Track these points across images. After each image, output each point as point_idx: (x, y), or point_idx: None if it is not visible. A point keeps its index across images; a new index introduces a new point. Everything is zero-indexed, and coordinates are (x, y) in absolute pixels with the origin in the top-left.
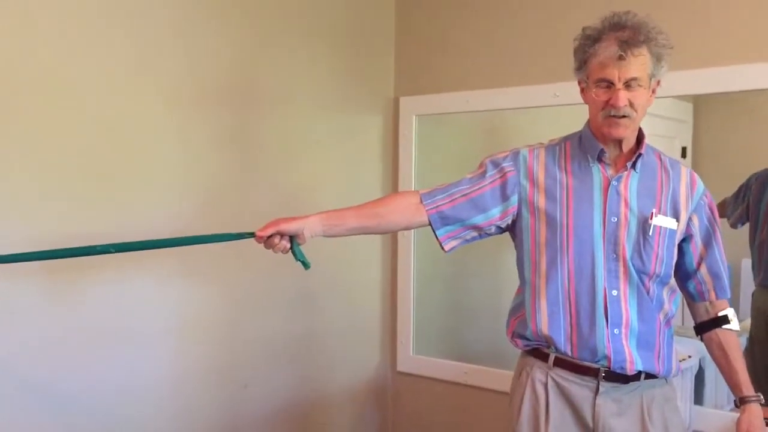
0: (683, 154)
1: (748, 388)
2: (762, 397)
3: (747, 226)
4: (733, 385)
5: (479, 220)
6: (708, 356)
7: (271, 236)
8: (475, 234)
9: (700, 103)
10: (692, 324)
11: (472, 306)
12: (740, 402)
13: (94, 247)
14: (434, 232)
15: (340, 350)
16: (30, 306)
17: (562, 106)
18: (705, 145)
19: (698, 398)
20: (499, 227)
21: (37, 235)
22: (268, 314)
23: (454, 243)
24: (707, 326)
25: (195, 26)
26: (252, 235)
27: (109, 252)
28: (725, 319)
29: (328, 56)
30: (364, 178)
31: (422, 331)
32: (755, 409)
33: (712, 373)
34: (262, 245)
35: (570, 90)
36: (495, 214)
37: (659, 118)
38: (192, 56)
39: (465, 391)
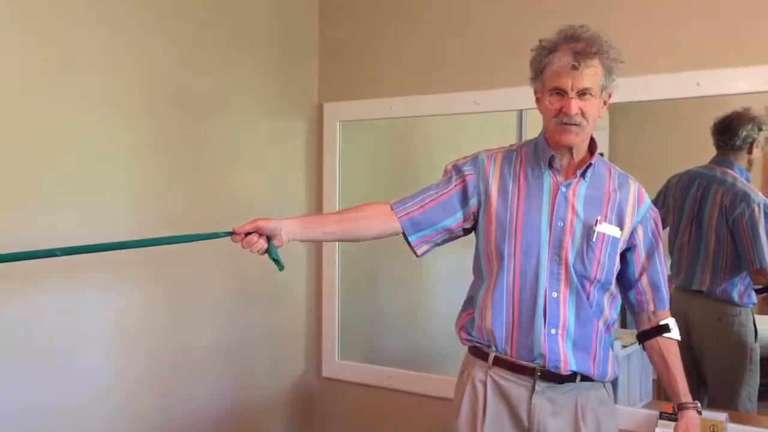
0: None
1: (686, 396)
2: (699, 404)
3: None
4: (673, 392)
5: (450, 222)
6: (620, 358)
7: (248, 235)
8: (446, 236)
9: (615, 111)
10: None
11: (394, 311)
12: (678, 408)
13: (38, 251)
14: (407, 238)
15: (266, 357)
16: None
17: (482, 113)
18: (620, 151)
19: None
20: (465, 229)
21: None
22: (191, 322)
23: (426, 247)
24: (649, 334)
25: (120, 30)
26: (230, 233)
27: (55, 255)
28: (666, 328)
29: (252, 63)
30: (289, 183)
31: (347, 337)
32: (692, 416)
33: (624, 372)
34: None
35: (490, 98)
36: (461, 217)
37: None
38: (116, 59)
39: (389, 395)
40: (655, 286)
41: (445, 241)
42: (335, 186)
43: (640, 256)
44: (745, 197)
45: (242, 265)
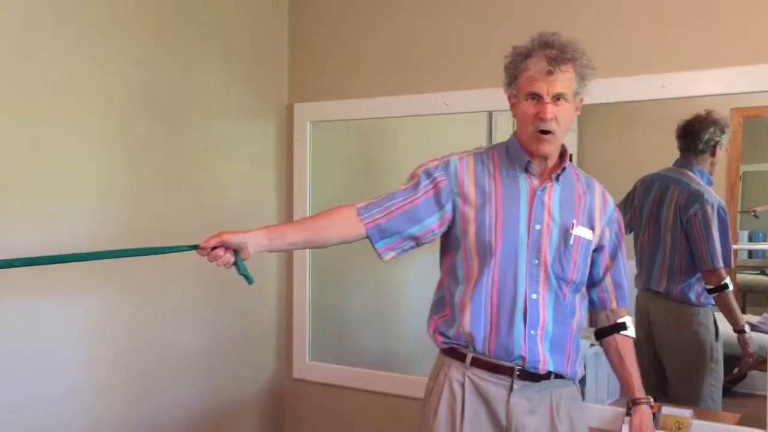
0: (570, 160)
1: (640, 391)
2: (652, 399)
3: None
4: (627, 387)
5: (416, 230)
6: (588, 356)
7: (215, 249)
8: (412, 243)
9: (584, 113)
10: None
11: (364, 312)
12: (632, 403)
13: None
14: (373, 244)
15: (236, 360)
16: None
17: (452, 114)
18: (588, 152)
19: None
20: (436, 235)
21: None
22: (161, 325)
23: (392, 254)
24: (607, 332)
25: (85, 32)
26: (194, 247)
27: (13, 266)
28: (623, 326)
29: (222, 63)
30: (260, 184)
31: (318, 338)
32: (646, 410)
33: (592, 371)
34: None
35: (460, 99)
36: (431, 224)
37: None
38: (77, 59)
39: (360, 396)
40: (617, 285)
41: (411, 248)
42: (306, 187)
43: (605, 257)
44: (699, 197)
45: (211, 267)
